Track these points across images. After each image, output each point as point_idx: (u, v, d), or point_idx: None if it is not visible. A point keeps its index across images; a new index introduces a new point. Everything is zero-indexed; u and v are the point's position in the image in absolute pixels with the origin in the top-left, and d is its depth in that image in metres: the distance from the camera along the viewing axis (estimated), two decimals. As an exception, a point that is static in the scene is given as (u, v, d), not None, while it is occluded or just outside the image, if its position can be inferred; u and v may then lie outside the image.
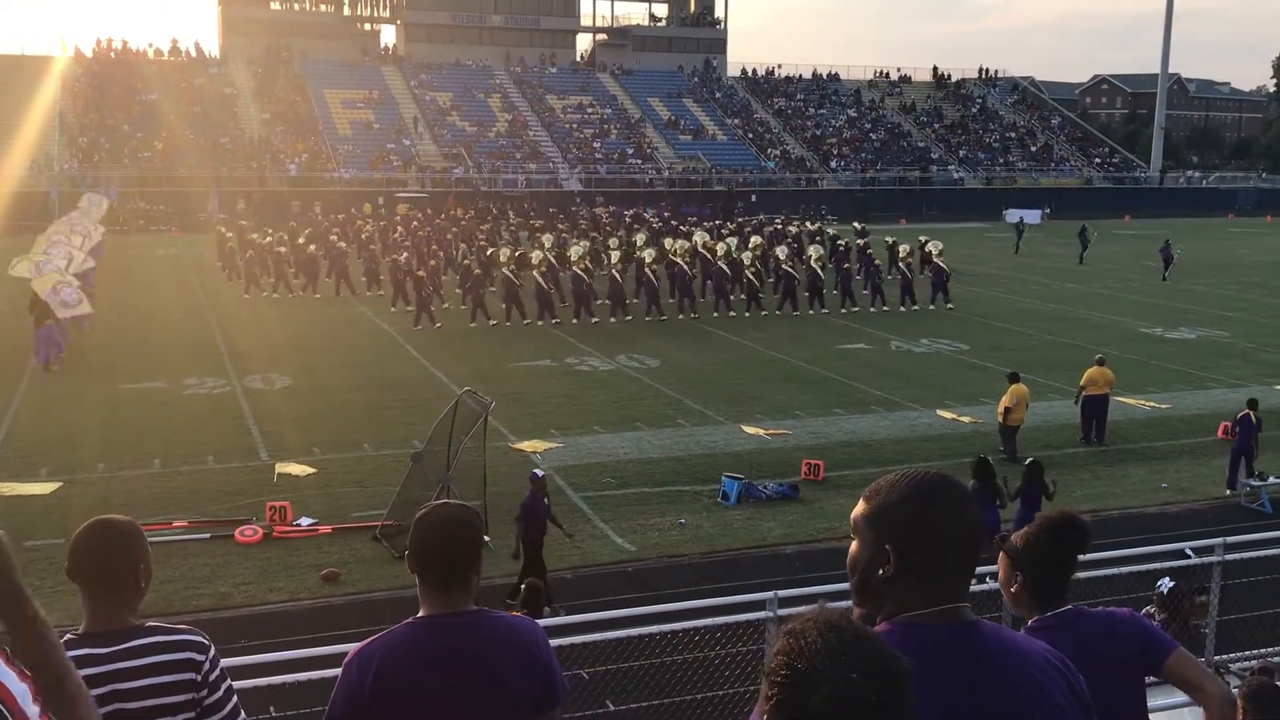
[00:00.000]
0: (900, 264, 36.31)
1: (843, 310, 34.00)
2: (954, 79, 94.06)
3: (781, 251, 37.32)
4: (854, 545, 2.48)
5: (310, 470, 17.64)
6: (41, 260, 27.92)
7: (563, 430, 20.16)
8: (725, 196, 67.21)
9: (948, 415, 21.72)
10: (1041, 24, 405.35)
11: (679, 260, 34.79)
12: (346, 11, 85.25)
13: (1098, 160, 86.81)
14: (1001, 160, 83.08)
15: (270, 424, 20.39)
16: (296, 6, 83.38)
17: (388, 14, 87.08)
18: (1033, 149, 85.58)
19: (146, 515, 15.50)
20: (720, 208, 61.58)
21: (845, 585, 2.54)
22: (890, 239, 41.11)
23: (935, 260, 35.73)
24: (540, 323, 31.11)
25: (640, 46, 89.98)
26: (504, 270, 33.00)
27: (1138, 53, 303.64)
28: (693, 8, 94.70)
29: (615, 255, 35.09)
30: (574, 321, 31.46)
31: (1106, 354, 22.09)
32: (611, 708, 9.93)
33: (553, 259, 34.99)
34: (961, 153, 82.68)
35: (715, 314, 33.12)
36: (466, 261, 34.89)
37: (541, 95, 79.06)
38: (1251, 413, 17.77)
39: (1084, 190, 79.93)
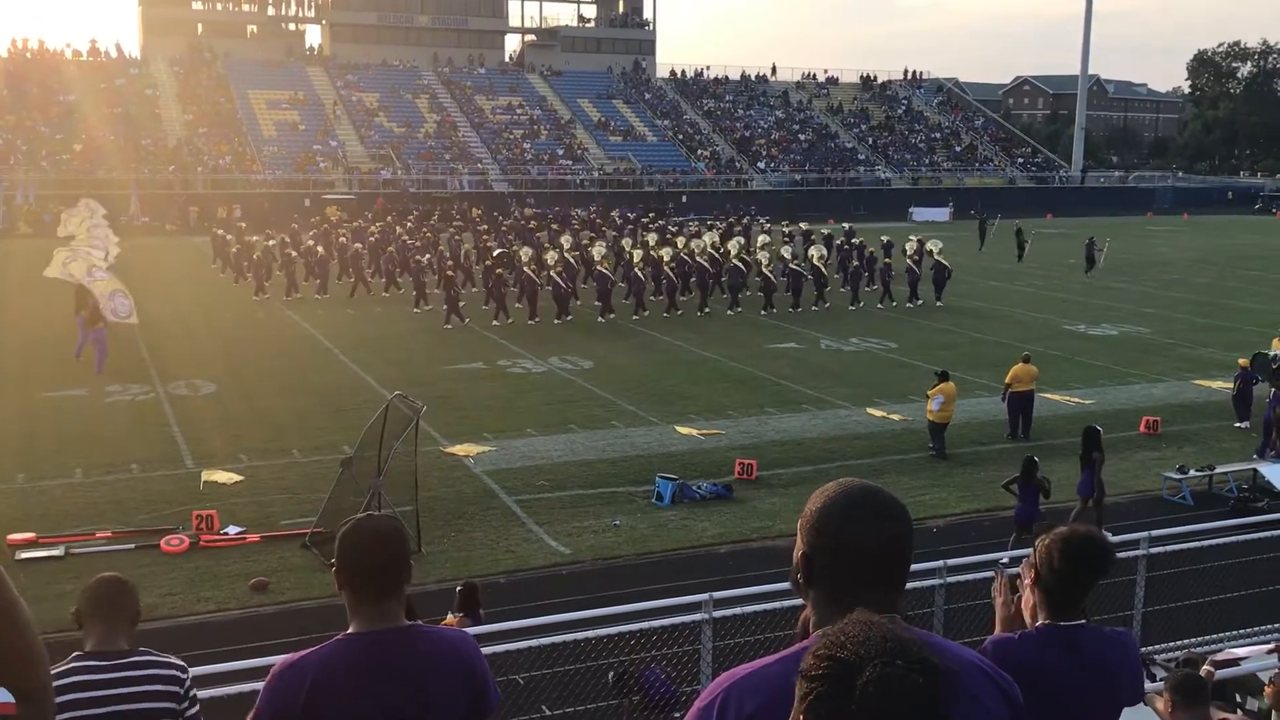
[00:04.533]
0: (908, 261, 37.46)
1: (851, 307, 35.13)
2: (880, 80, 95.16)
3: (788, 250, 38.80)
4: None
5: (237, 478, 17.34)
6: (89, 265, 27.33)
7: (495, 433, 20.05)
8: (656, 197, 67.37)
9: (878, 413, 21.94)
10: (965, 26, 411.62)
11: (698, 260, 36.03)
12: (270, 11, 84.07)
13: (1020, 160, 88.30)
14: (927, 161, 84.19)
15: (196, 431, 20.02)
16: (219, 6, 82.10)
17: (313, 14, 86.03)
18: (957, 149, 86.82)
19: (69, 526, 15.16)
20: (651, 208, 61.69)
21: (779, 585, 2.56)
22: (885, 238, 41.96)
23: (937, 258, 36.86)
24: (557, 321, 31.78)
25: (569, 47, 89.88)
26: (525, 269, 33.44)
27: (1059, 54, 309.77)
28: (621, 9, 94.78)
29: (637, 255, 36.13)
30: (600, 320, 32.10)
31: (1031, 351, 22.48)
32: (548, 712, 9.87)
33: (571, 259, 35.94)
34: (888, 153, 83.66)
35: (730, 311, 33.89)
36: (488, 262, 35.37)
37: (470, 96, 78.61)
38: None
39: (1007, 190, 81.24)
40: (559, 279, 32.73)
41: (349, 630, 3.25)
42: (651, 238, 41.64)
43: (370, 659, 3.18)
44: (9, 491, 16.67)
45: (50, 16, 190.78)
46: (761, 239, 42.13)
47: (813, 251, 38.29)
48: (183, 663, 4.11)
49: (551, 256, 34.97)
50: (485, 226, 48.62)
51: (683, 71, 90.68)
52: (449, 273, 32.48)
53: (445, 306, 31.16)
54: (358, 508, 14.43)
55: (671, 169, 74.83)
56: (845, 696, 1.82)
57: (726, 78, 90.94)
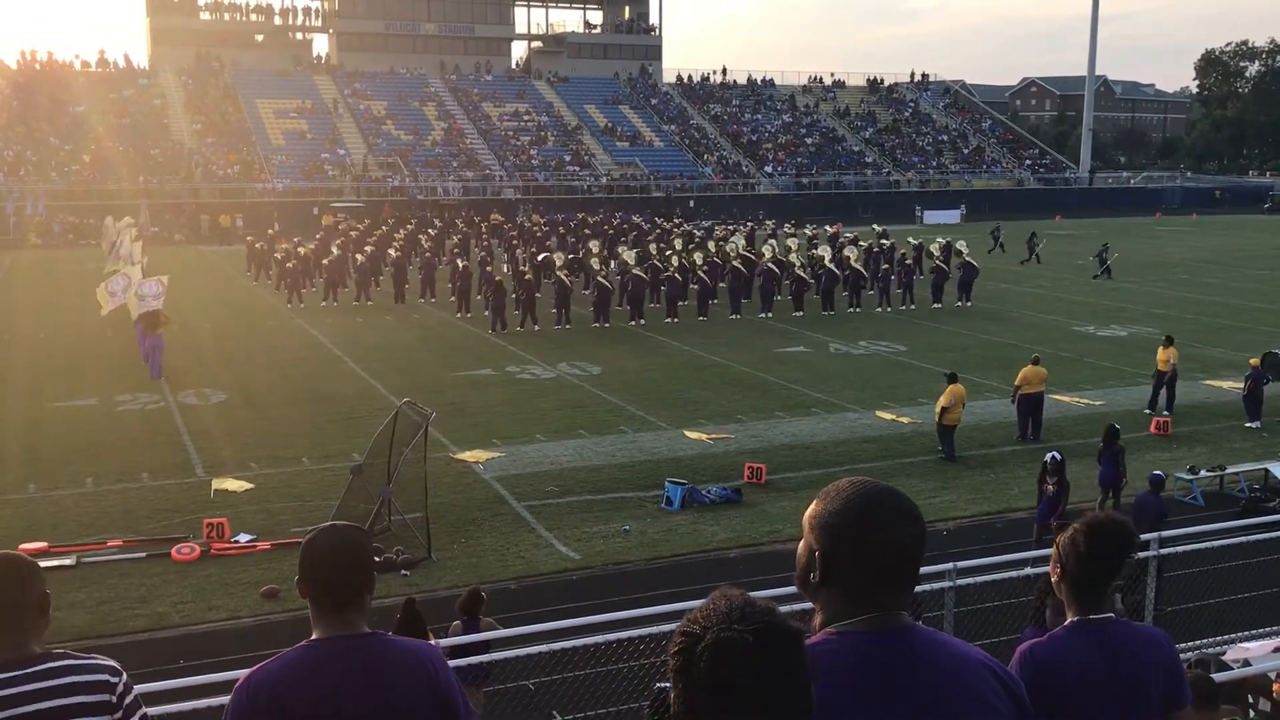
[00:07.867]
0: (936, 261, 37.88)
1: (878, 310, 35.56)
2: (887, 83, 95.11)
3: (825, 252, 39.22)
4: (800, 544, 2.53)
5: (248, 486, 17.38)
6: (118, 282, 28.64)
7: (505, 439, 20.07)
8: (663, 202, 67.39)
9: (887, 416, 21.91)
10: (971, 28, 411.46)
11: (734, 264, 36.40)
12: (278, 21, 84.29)
13: (1028, 162, 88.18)
14: (934, 163, 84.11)
15: (206, 440, 20.07)
16: (226, 16, 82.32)
17: (320, 23, 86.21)
18: (964, 151, 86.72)
19: (80, 535, 15.21)
20: (657, 213, 61.73)
21: (788, 589, 2.56)
22: (914, 239, 42.26)
23: (966, 258, 37.18)
24: (595, 325, 32.16)
25: (576, 54, 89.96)
26: (558, 274, 33.68)
27: (1066, 55, 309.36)
28: (627, 15, 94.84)
29: (675, 260, 36.50)
30: (631, 324, 32.44)
31: (1041, 352, 22.42)
32: (559, 718, 9.88)
33: (609, 265, 36.47)
34: (895, 155, 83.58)
35: (762, 315, 34.26)
36: (522, 269, 35.61)
37: (477, 103, 78.74)
38: None
39: (1015, 191, 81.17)
40: (605, 282, 33.10)
41: (312, 637, 3.25)
42: (678, 242, 42.02)
43: (332, 664, 3.19)
44: (20, 501, 16.73)
45: (58, 28, 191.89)
46: (791, 241, 42.77)
47: (849, 252, 38.58)
48: (116, 664, 3.40)
49: (595, 262, 35.28)
50: (515, 233, 48.96)
51: (689, 77, 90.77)
52: (498, 279, 32.65)
53: (489, 313, 31.50)
54: (368, 515, 14.47)
55: (679, 174, 74.86)
56: (692, 665, 1.97)
57: (734, 82, 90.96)
